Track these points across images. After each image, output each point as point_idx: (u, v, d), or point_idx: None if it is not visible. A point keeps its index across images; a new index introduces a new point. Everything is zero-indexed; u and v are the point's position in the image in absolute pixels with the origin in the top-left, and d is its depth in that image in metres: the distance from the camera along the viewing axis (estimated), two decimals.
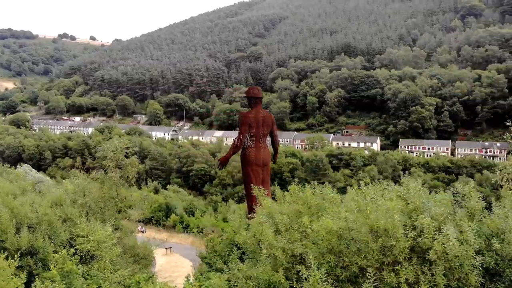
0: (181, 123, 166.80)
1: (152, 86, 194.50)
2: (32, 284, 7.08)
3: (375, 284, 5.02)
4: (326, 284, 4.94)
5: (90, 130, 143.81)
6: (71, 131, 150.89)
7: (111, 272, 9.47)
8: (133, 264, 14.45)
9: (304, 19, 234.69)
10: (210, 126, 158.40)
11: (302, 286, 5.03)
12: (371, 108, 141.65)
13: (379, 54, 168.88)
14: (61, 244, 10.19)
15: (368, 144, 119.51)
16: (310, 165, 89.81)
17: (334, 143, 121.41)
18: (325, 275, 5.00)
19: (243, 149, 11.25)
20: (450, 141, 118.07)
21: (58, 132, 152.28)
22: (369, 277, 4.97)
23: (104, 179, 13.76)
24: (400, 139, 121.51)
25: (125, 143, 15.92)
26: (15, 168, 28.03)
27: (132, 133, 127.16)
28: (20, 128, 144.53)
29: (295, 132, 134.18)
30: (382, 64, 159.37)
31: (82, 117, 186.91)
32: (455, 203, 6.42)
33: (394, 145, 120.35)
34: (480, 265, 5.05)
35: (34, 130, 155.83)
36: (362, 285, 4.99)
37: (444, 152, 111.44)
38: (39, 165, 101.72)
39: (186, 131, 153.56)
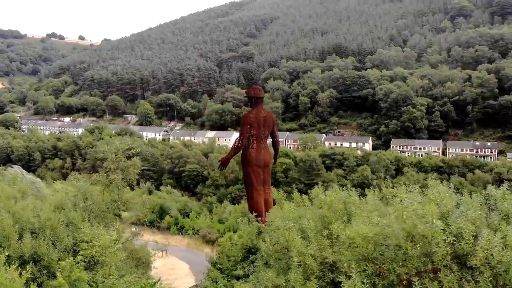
0: (172, 124, 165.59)
1: (143, 86, 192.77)
2: None
3: None
4: None
5: (80, 130, 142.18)
6: (60, 132, 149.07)
7: (116, 279, 9.09)
8: (135, 269, 14.05)
9: (295, 19, 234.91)
10: (202, 126, 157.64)
11: None
12: (363, 108, 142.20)
13: (370, 54, 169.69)
14: (64, 250, 9.74)
15: (360, 144, 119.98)
16: (303, 165, 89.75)
17: (327, 143, 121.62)
18: (366, 284, 4.72)
19: (243, 149, 11.06)
20: (441, 141, 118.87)
21: (47, 132, 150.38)
22: (414, 286, 4.69)
23: (106, 182, 13.35)
24: (392, 139, 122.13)
25: (126, 144, 15.50)
26: (5, 169, 27.31)
27: (123, 133, 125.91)
28: (9, 129, 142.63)
29: (288, 132, 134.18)
30: (373, 65, 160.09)
31: (71, 118, 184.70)
32: (487, 206, 6.21)
33: (386, 145, 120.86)
34: None
35: (23, 131, 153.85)
36: None
37: (435, 152, 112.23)
38: (29, 166, 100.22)
39: (178, 131, 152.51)
